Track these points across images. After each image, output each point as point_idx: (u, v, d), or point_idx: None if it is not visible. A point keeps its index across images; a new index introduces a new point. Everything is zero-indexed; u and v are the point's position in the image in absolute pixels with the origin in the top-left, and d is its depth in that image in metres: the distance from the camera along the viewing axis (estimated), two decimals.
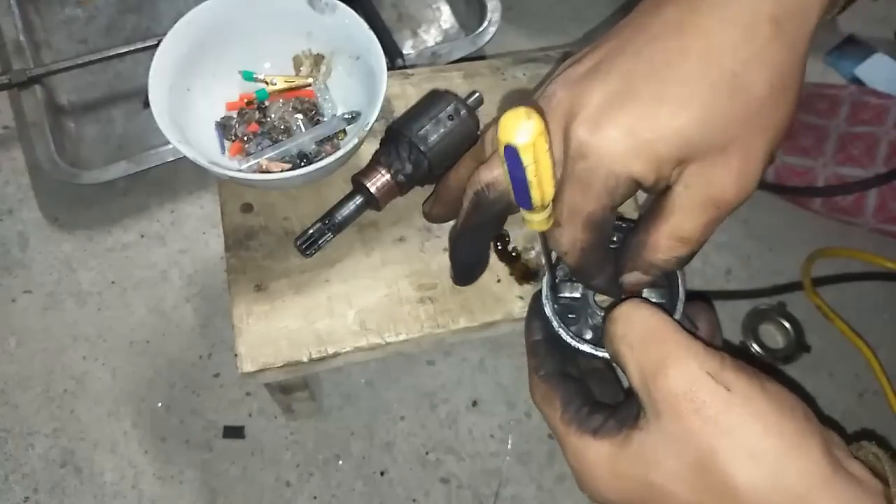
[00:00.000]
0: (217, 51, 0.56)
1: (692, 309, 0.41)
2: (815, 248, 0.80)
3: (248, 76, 0.58)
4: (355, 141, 0.51)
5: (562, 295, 0.44)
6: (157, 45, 0.53)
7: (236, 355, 0.50)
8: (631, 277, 0.40)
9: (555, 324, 0.42)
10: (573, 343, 0.41)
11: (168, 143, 0.59)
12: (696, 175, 0.37)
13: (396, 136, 0.52)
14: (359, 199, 0.52)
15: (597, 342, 0.42)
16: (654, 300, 0.42)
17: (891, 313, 0.79)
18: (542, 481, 0.69)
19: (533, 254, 0.55)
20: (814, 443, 0.32)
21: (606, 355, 0.39)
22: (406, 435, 0.71)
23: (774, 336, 0.77)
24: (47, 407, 0.70)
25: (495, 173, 0.41)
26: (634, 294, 0.41)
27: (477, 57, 0.81)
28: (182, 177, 0.81)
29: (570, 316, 0.44)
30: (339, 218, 0.52)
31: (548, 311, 0.42)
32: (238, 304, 0.51)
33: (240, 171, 0.54)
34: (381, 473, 0.69)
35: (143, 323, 0.74)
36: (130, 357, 0.73)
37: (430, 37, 0.92)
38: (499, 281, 0.54)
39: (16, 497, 0.67)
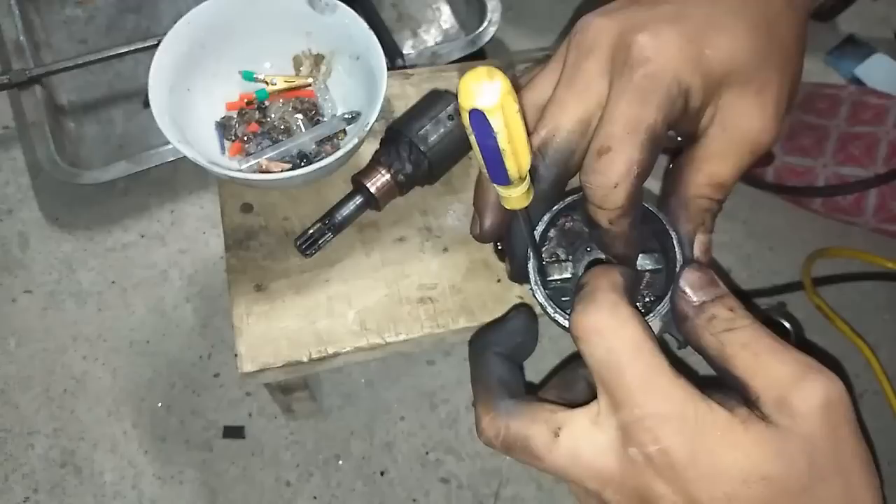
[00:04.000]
0: (217, 51, 0.56)
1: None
2: (815, 248, 0.80)
3: (248, 76, 0.58)
4: (355, 141, 0.51)
5: (551, 278, 0.41)
6: (157, 45, 0.53)
7: (236, 355, 0.50)
8: (700, 244, 0.39)
9: (549, 310, 0.39)
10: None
11: (168, 143, 0.59)
12: (731, 115, 0.38)
13: (396, 136, 0.52)
14: (359, 199, 0.52)
15: None
16: (649, 267, 0.41)
17: (891, 313, 0.79)
18: (542, 481, 0.69)
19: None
20: None
21: None
22: (406, 435, 0.71)
23: None
24: (47, 407, 0.70)
25: (555, 122, 0.38)
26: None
27: (477, 57, 0.81)
28: (182, 177, 0.81)
29: (563, 299, 0.41)
30: (339, 218, 0.52)
31: (539, 297, 0.39)
32: (238, 304, 0.51)
33: (240, 171, 0.54)
34: (381, 473, 0.69)
35: (143, 323, 0.74)
36: (130, 357, 0.73)
37: (430, 37, 0.92)
38: (499, 281, 0.54)
39: (16, 497, 0.67)
